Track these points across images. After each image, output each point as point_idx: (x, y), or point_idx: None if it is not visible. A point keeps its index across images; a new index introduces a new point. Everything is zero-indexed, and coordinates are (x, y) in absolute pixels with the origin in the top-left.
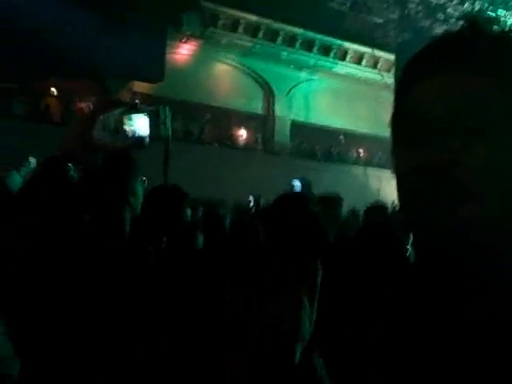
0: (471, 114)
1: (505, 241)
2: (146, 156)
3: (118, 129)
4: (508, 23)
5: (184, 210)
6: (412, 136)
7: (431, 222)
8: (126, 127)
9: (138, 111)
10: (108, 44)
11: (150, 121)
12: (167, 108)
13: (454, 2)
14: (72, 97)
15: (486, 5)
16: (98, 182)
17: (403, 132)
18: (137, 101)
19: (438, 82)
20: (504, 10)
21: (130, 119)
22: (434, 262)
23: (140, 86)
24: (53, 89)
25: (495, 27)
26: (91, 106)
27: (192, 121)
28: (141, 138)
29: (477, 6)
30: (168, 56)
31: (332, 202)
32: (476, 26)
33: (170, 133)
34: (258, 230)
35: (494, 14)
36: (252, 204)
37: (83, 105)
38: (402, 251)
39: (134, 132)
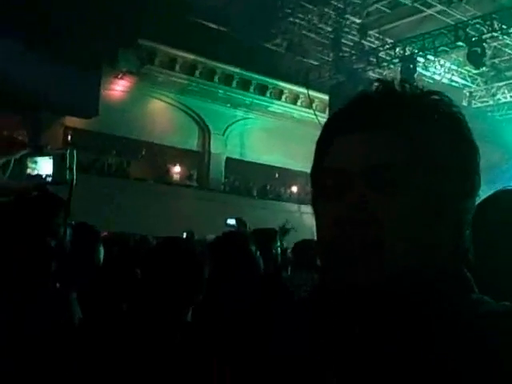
0: (388, 171)
1: (417, 287)
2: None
3: (21, 171)
4: (423, 84)
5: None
6: (334, 189)
7: (348, 278)
8: (29, 170)
9: (42, 154)
10: (42, 77)
11: (55, 164)
12: (74, 151)
13: (386, 47)
14: (1, 131)
15: (416, 50)
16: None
17: (325, 185)
18: (45, 145)
19: (358, 138)
20: (433, 55)
21: (35, 162)
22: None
23: (73, 121)
24: None
25: (409, 90)
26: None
27: (127, 157)
28: (43, 182)
29: (407, 52)
30: (104, 92)
31: (267, 234)
32: (390, 88)
33: (74, 177)
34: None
35: (423, 60)
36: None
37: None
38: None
39: (36, 175)
